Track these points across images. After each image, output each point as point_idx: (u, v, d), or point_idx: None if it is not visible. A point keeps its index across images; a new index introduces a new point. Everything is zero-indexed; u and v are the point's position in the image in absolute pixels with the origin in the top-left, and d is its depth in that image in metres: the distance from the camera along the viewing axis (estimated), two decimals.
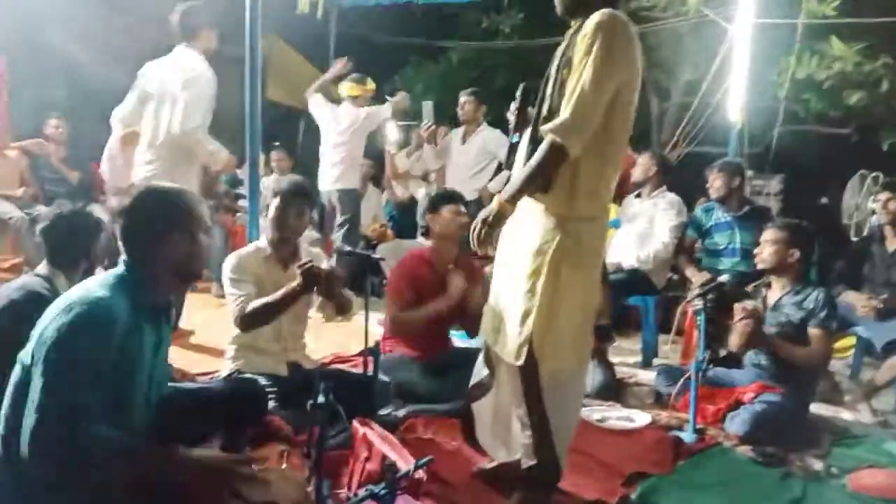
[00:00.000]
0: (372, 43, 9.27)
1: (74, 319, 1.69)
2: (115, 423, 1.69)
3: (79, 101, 6.67)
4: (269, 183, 6.83)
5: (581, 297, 2.19)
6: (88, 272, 2.63)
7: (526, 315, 2.15)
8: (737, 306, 3.28)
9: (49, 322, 1.73)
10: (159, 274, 1.92)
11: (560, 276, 2.13)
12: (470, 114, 5.54)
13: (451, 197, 3.59)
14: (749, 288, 3.61)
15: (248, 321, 2.85)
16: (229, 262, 3.00)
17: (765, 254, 3.44)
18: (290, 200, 3.04)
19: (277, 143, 7.11)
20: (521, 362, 2.15)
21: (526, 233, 2.20)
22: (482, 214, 2.16)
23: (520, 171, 2.17)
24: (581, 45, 2.09)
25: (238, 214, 6.90)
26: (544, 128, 2.07)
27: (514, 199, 2.13)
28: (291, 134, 10.83)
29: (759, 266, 3.49)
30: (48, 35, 6.20)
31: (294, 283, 2.78)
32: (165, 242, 1.91)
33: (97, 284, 1.82)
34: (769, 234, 3.46)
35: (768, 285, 3.50)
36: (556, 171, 2.09)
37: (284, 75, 10.42)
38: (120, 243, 1.93)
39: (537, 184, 2.12)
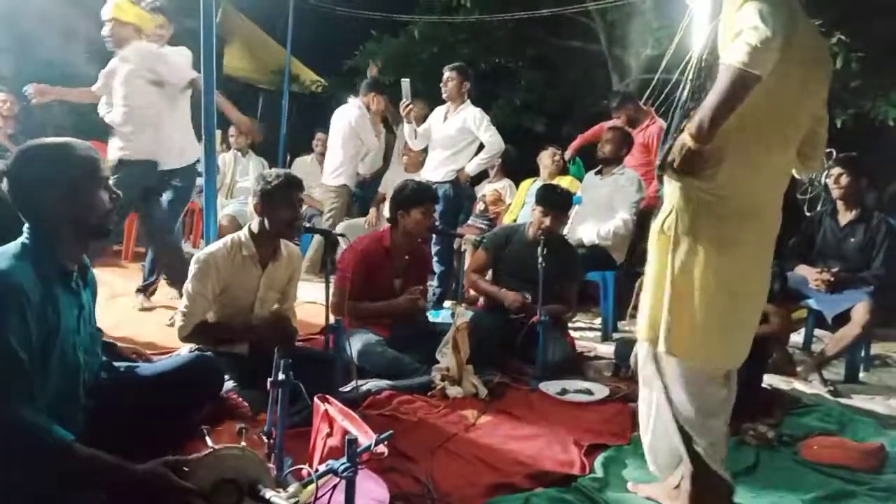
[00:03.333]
0: (331, 15, 9.11)
1: None
2: (48, 397, 1.66)
3: (28, 77, 6.45)
4: (227, 159, 6.74)
5: (717, 280, 1.99)
6: None
7: (656, 300, 2.06)
8: None
9: None
10: (63, 234, 1.82)
11: (682, 256, 2.00)
12: (453, 90, 5.05)
13: (422, 198, 3.61)
14: None
15: (188, 339, 2.88)
16: (198, 258, 2.91)
17: None
18: (286, 194, 2.93)
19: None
20: (661, 348, 2.06)
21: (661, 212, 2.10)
22: (679, 146, 1.94)
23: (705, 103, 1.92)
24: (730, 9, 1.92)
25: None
26: (724, 58, 1.87)
27: (702, 139, 1.90)
28: (250, 109, 10.65)
29: None
30: None
31: (243, 346, 2.93)
32: (60, 198, 1.80)
33: None
34: None
35: None
36: (744, 98, 1.85)
37: (242, 48, 10.22)
38: (16, 206, 1.82)
39: (724, 119, 1.88)
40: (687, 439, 2.09)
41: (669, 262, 2.02)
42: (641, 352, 2.20)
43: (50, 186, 1.80)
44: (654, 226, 2.11)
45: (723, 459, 2.14)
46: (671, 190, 2.07)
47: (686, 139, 1.93)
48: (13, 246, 1.78)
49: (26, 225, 1.82)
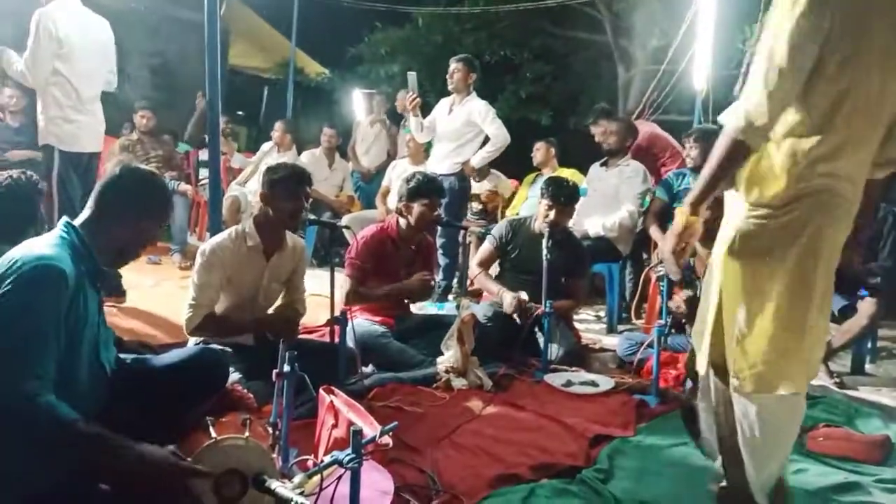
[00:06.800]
0: (337, 7, 9.10)
1: (24, 274, 1.64)
2: (65, 388, 1.66)
3: None
4: (265, 148, 6.82)
5: (778, 299, 1.80)
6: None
7: (705, 321, 1.92)
8: (672, 303, 3.35)
9: None
10: (108, 246, 1.92)
11: (740, 273, 1.83)
12: (459, 82, 4.97)
13: (426, 190, 3.61)
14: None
15: (196, 332, 2.88)
16: (204, 249, 2.92)
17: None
18: (292, 186, 2.95)
19: (241, 113, 6.99)
20: (701, 373, 1.94)
21: (723, 228, 1.94)
22: (673, 231, 1.84)
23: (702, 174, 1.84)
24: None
25: (200, 183, 6.85)
26: (721, 117, 1.76)
27: (695, 208, 1.82)
28: (254, 103, 10.65)
29: None
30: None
31: (248, 337, 2.95)
32: (134, 223, 1.96)
33: (41, 245, 1.76)
34: None
35: (694, 253, 3.53)
36: (741, 165, 1.78)
37: (247, 40, 10.22)
38: (92, 204, 1.94)
39: (719, 184, 1.81)
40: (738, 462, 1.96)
41: (721, 281, 1.88)
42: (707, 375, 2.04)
43: (142, 207, 1.98)
44: (720, 248, 1.92)
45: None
46: (735, 208, 1.89)
47: (678, 222, 1.87)
48: (51, 237, 1.83)
49: (65, 220, 1.89)
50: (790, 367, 1.84)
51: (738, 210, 1.87)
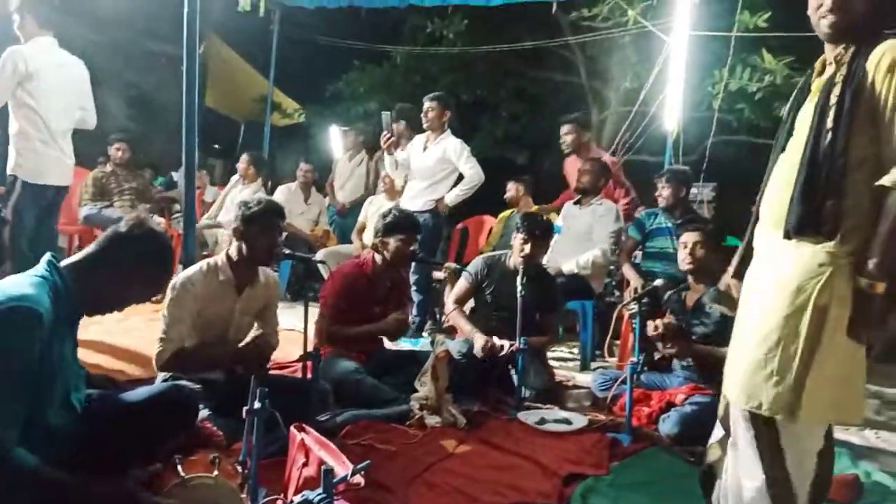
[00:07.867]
0: (315, 45, 9.20)
1: None
2: (34, 429, 1.64)
3: None
4: (232, 180, 6.82)
5: (853, 343, 1.89)
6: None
7: (787, 361, 1.91)
8: (650, 325, 3.35)
9: None
10: (94, 295, 1.91)
11: (827, 318, 1.87)
12: (434, 120, 5.06)
13: (402, 226, 3.63)
14: (668, 292, 3.67)
15: (167, 366, 2.84)
16: (176, 283, 2.88)
17: (681, 255, 3.58)
18: (266, 221, 2.95)
19: (217, 146, 7.00)
20: (795, 416, 1.90)
21: (781, 270, 1.95)
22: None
23: (877, 239, 1.82)
24: (887, 80, 1.80)
25: (174, 217, 6.82)
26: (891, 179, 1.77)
27: (882, 274, 1.80)
28: (231, 138, 10.67)
29: (683, 268, 3.60)
30: None
31: (218, 372, 2.90)
32: (130, 283, 1.96)
33: (19, 283, 1.75)
34: (683, 237, 3.59)
35: (687, 287, 3.60)
36: None
37: (224, 83, 10.27)
38: (92, 250, 1.92)
39: None
40: None
41: (807, 325, 1.89)
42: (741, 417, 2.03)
43: (144, 271, 1.99)
44: (796, 295, 1.91)
45: None
46: (808, 252, 1.92)
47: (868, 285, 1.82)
48: (30, 276, 1.80)
49: (49, 259, 1.87)
50: (861, 396, 1.97)
51: (814, 258, 1.89)
